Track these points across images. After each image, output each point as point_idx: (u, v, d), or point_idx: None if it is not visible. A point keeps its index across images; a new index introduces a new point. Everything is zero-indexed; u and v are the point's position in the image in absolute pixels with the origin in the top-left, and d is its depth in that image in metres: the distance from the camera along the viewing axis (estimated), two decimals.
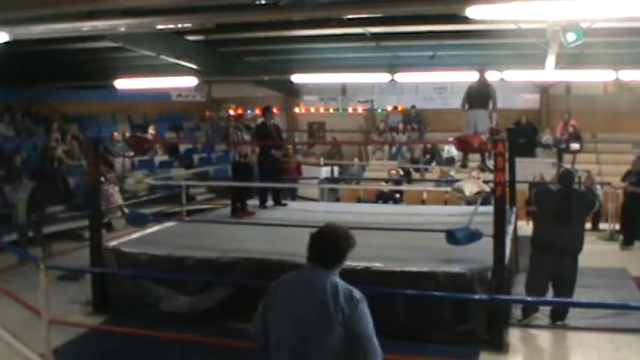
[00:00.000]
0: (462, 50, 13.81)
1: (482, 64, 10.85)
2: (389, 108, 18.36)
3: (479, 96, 9.22)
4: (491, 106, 9.25)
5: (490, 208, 6.08)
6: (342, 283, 2.93)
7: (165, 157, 15.87)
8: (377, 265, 5.98)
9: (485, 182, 7.62)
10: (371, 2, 8.48)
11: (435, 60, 14.19)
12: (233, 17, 9.13)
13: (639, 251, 9.95)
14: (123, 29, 9.37)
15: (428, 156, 16.00)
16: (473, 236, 5.89)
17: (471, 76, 10.10)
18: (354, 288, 2.94)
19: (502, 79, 13.37)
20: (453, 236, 5.88)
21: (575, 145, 14.70)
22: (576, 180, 7.59)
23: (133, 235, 7.70)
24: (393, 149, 16.91)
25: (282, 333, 2.92)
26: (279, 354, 2.94)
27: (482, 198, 7.27)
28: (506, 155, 6.69)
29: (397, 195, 13.22)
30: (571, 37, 8.06)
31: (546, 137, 15.78)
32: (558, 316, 6.22)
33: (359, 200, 13.57)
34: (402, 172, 14.68)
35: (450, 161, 15.35)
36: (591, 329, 6.01)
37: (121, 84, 16.12)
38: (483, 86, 9.35)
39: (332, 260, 2.95)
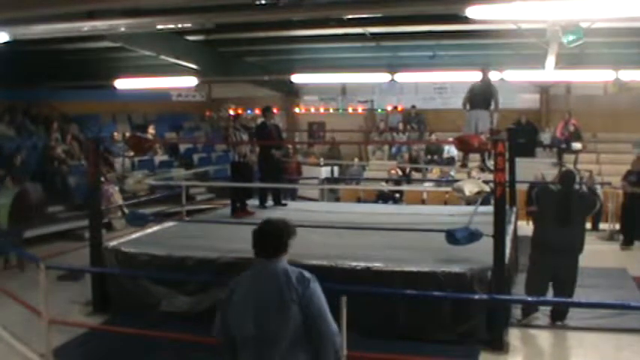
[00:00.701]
0: (462, 50, 13.81)
1: (483, 64, 10.84)
2: (389, 108, 18.36)
3: (482, 96, 9.19)
4: (493, 106, 9.22)
5: (490, 208, 6.08)
6: (291, 267, 3.08)
7: (166, 157, 15.87)
8: (377, 265, 5.99)
9: (486, 182, 7.62)
10: (371, 2, 8.47)
11: (435, 60, 14.19)
12: (233, 17, 9.12)
13: (639, 251, 9.95)
14: (123, 29, 9.38)
15: (429, 156, 16.00)
16: (473, 236, 5.90)
17: (470, 76, 10.09)
18: (303, 270, 3.08)
19: (502, 79, 13.36)
20: (453, 236, 5.89)
21: (577, 145, 14.69)
22: (578, 180, 7.58)
23: (133, 235, 7.70)
24: (393, 149, 16.91)
25: (245, 330, 3.00)
26: (245, 350, 3.02)
27: (482, 198, 7.27)
28: (507, 155, 6.69)
29: (397, 195, 13.23)
30: (571, 37, 8.05)
31: (546, 137, 15.79)
32: (558, 316, 6.21)
33: (359, 200, 13.58)
34: (400, 173, 14.68)
35: (450, 161, 15.36)
36: (591, 329, 6.00)
37: (121, 84, 16.13)
38: (486, 86, 9.32)
39: (276, 250, 3.08)
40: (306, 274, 3.06)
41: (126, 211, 11.11)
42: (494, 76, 10.96)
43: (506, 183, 6.71)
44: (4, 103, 14.80)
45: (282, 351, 2.94)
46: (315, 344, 2.98)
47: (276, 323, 2.94)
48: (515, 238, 7.96)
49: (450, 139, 7.85)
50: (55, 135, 14.17)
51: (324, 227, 7.01)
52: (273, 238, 3.09)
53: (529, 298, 6.32)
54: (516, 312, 6.34)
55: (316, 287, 3.03)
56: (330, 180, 14.32)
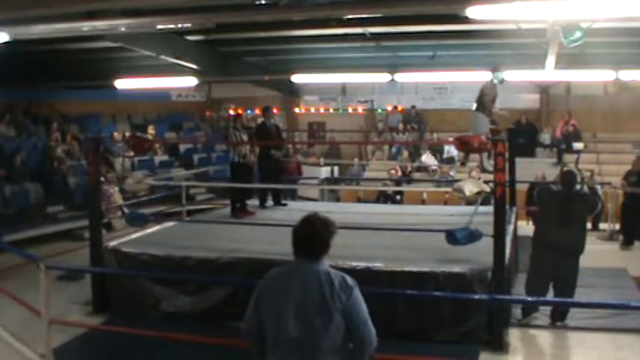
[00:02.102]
0: (462, 50, 13.79)
1: (483, 64, 10.82)
2: (389, 108, 18.35)
3: (479, 97, 9.18)
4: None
5: (490, 208, 6.08)
6: (333, 271, 3.02)
7: (166, 157, 15.87)
8: (377, 265, 5.99)
9: (486, 182, 7.61)
10: (371, 2, 8.47)
11: (435, 60, 14.17)
12: (233, 17, 9.12)
13: (639, 251, 9.95)
14: (123, 29, 9.37)
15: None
16: (473, 236, 5.90)
17: (470, 76, 10.07)
18: (345, 274, 3.03)
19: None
20: (453, 236, 5.89)
21: (578, 145, 14.68)
22: (579, 180, 7.58)
23: (133, 235, 7.70)
24: (393, 149, 16.90)
25: (281, 328, 2.94)
26: (278, 349, 2.96)
27: (482, 198, 7.27)
28: (507, 155, 6.69)
29: (398, 197, 13.20)
30: (571, 37, 8.04)
31: (546, 137, 15.79)
32: (558, 316, 6.20)
33: (359, 200, 13.57)
34: (400, 173, 14.67)
35: (450, 161, 15.36)
36: (591, 329, 6.01)
37: (121, 84, 16.12)
38: (484, 87, 9.30)
39: (318, 251, 3.02)
40: (349, 279, 3.00)
41: (126, 211, 11.10)
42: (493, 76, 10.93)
43: (506, 183, 6.70)
44: (4, 103, 14.80)
45: (322, 356, 2.91)
46: (353, 348, 2.97)
47: (320, 329, 2.89)
48: (515, 238, 7.95)
49: (450, 139, 7.84)
50: (55, 135, 14.17)
51: None
52: (315, 238, 3.01)
53: (529, 298, 6.33)
54: (516, 312, 6.34)
55: (358, 294, 2.99)
56: (330, 180, 14.32)
